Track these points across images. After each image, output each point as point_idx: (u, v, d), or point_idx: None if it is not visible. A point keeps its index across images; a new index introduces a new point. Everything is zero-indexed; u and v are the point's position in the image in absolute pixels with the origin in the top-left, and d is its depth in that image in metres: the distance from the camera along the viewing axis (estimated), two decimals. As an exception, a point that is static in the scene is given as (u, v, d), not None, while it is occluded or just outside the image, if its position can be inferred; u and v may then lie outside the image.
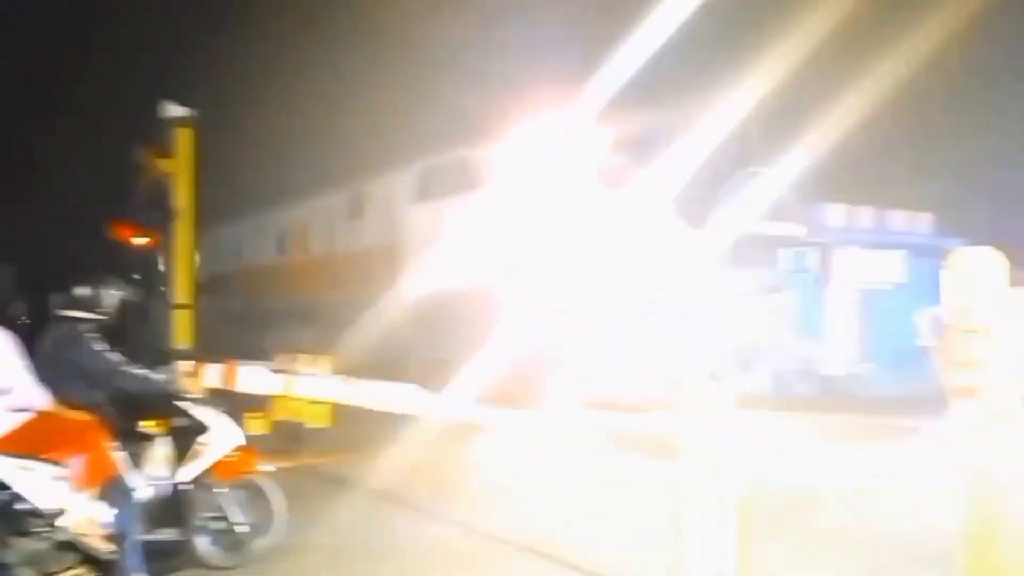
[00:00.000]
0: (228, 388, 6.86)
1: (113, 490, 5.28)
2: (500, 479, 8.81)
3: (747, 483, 3.91)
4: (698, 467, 3.88)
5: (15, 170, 32.73)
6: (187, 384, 6.01)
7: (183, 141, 12.05)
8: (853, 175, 18.63)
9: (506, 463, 9.60)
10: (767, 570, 4.49)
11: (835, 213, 17.72)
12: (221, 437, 5.92)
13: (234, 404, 6.98)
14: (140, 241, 13.77)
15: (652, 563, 5.63)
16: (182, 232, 12.08)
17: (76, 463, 5.18)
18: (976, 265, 2.65)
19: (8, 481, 5.08)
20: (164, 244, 12.28)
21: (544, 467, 9.04)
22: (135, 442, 5.75)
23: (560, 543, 6.27)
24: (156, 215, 12.40)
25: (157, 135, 12.15)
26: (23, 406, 5.26)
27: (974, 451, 2.67)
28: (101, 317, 5.86)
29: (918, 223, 18.68)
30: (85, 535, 5.17)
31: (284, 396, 9.47)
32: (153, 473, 5.69)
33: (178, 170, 12.04)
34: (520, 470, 9.18)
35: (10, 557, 5.05)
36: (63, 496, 5.17)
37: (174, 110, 11.91)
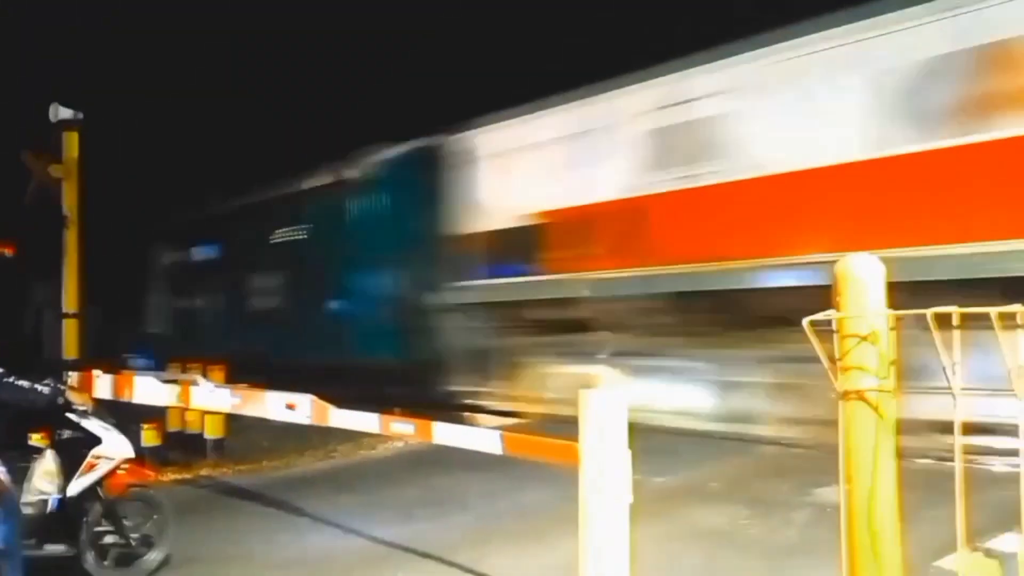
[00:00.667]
0: (120, 399, 6.76)
1: (-3, 505, 5.20)
2: (401, 488, 8.83)
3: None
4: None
5: None
6: (76, 395, 5.92)
7: (71, 145, 11.76)
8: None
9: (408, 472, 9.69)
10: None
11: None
12: (111, 450, 5.86)
13: (128, 415, 6.93)
14: (7, 251, 13.51)
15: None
16: (71, 239, 11.78)
17: (-43, 478, 5.09)
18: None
19: None
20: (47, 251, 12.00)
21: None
22: (22, 455, 5.66)
23: (458, 552, 6.33)
24: (44, 221, 12.08)
25: (45, 138, 11.84)
26: None
27: None
28: None
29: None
30: (-32, 551, 5.07)
31: (179, 407, 9.40)
32: (40, 487, 5.60)
33: (67, 174, 11.74)
34: (421, 479, 9.24)
35: None
36: (-56, 513, 5.07)
37: (62, 112, 11.60)
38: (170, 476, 9.37)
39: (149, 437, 9.78)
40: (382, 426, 5.77)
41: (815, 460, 9.03)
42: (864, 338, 2.64)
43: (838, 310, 2.72)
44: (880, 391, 2.67)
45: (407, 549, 6.52)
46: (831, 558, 5.35)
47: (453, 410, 13.11)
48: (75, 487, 5.69)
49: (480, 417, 13.22)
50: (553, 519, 6.86)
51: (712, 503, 7.60)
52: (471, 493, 8.26)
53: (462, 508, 7.83)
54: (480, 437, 5.27)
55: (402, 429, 5.86)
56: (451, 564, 6.08)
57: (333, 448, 11.08)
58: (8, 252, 13.75)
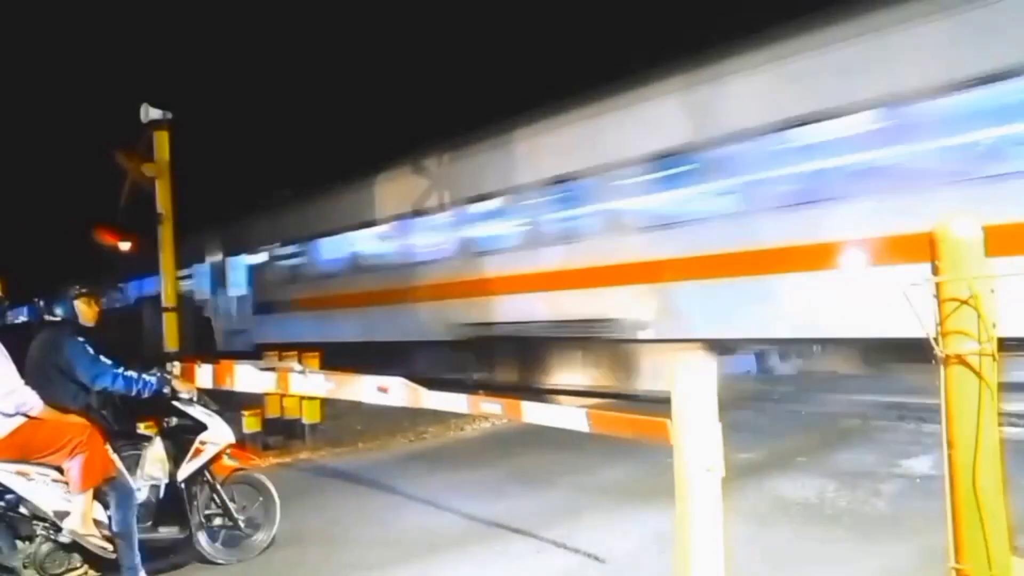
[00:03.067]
0: (221, 387, 6.98)
1: (112, 491, 5.43)
2: (490, 468, 8.93)
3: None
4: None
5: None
6: (181, 384, 6.12)
7: (162, 144, 12.09)
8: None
9: (496, 452, 9.80)
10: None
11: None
12: (216, 435, 6.06)
13: (229, 402, 7.16)
14: (124, 245, 13.88)
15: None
16: (166, 235, 12.13)
17: (74, 466, 5.31)
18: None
19: (9, 486, 5.22)
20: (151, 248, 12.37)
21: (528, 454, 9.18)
22: (133, 443, 5.89)
23: (551, 528, 6.41)
24: (140, 219, 12.48)
25: (137, 139, 12.19)
26: (16, 411, 5.34)
27: None
28: (87, 322, 5.98)
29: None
30: (87, 536, 5.30)
31: (276, 393, 9.67)
32: (151, 473, 5.81)
33: (159, 173, 12.07)
34: (510, 457, 9.34)
35: (14, 561, 5.19)
36: (63, 499, 5.31)
37: (152, 112, 11.91)
38: (271, 460, 9.64)
39: (250, 423, 10.07)
40: (471, 406, 5.84)
41: (900, 431, 8.93)
42: (964, 302, 2.61)
43: (936, 274, 2.68)
44: (982, 355, 2.62)
45: (500, 525, 6.64)
46: (924, 528, 5.37)
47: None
48: (184, 472, 5.90)
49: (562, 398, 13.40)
50: (639, 494, 6.92)
51: (799, 476, 7.55)
52: (558, 471, 8.34)
53: (550, 485, 7.91)
54: (566, 415, 5.27)
55: (491, 409, 5.89)
56: (543, 539, 6.17)
57: (423, 430, 11.27)
58: (123, 245, 14.15)
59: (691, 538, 4.15)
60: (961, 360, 2.66)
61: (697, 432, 4.15)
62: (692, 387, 4.16)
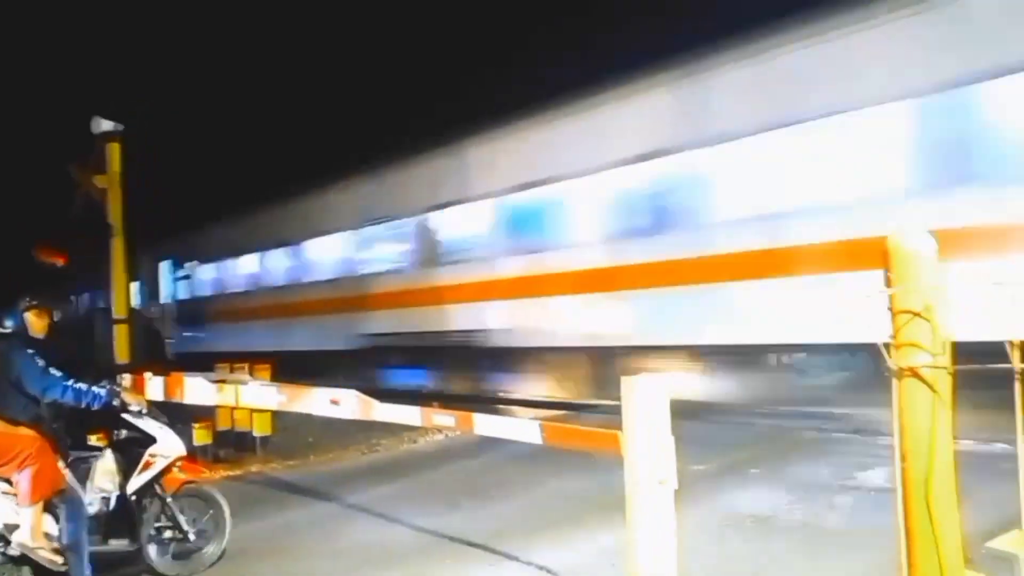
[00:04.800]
0: (172, 399, 6.91)
1: (62, 503, 5.36)
2: (443, 480, 8.92)
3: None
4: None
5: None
6: (130, 397, 6.05)
7: (113, 156, 11.95)
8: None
9: (449, 465, 9.79)
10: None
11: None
12: (166, 448, 6.00)
13: (179, 414, 7.08)
14: (60, 261, 13.78)
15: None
16: (117, 248, 11.99)
17: (23, 478, 5.24)
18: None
19: (-43, 498, 5.13)
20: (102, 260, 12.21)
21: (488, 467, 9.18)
22: (83, 455, 5.82)
23: (504, 540, 6.41)
24: (93, 231, 12.32)
25: (90, 151, 12.05)
26: (-35, 425, 5.27)
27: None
28: (37, 334, 5.89)
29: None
30: (36, 549, 5.23)
31: (228, 406, 9.57)
32: (101, 485, 5.75)
33: (110, 185, 11.95)
34: (463, 470, 9.33)
35: (-38, 573, 5.11)
36: (12, 511, 5.23)
37: (104, 124, 11.78)
38: (222, 473, 9.54)
39: (200, 436, 9.99)
40: (424, 418, 5.85)
41: (855, 444, 9.05)
42: (917, 314, 2.65)
43: (890, 285, 2.71)
44: (935, 367, 2.66)
45: (453, 538, 6.62)
46: (877, 541, 5.44)
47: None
48: (134, 484, 5.84)
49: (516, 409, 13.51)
50: (593, 507, 6.94)
51: (753, 489, 7.61)
52: (512, 483, 8.34)
53: (504, 497, 7.91)
54: (519, 427, 5.29)
55: (443, 421, 5.91)
56: (496, 552, 6.16)
57: (376, 442, 11.22)
58: (60, 262, 14.06)
59: (643, 551, 4.18)
60: (914, 373, 2.70)
61: (649, 445, 4.18)
62: (644, 400, 4.19)
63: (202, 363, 10.06)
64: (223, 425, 10.72)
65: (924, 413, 2.71)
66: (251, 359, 10.86)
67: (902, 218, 8.56)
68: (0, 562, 5.22)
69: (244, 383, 7.47)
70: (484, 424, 5.41)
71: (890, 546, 3.13)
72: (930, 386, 2.67)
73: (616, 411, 4.36)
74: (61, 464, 5.51)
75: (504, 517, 7.25)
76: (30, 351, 5.64)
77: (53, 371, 5.62)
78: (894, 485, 2.89)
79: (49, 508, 5.36)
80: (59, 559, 5.27)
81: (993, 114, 8.86)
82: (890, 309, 2.72)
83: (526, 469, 8.52)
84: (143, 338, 17.55)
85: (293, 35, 40.63)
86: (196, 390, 7.16)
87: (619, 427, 4.31)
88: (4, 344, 5.74)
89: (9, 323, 5.81)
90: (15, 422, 5.45)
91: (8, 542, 5.20)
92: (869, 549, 5.54)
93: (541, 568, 5.78)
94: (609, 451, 4.40)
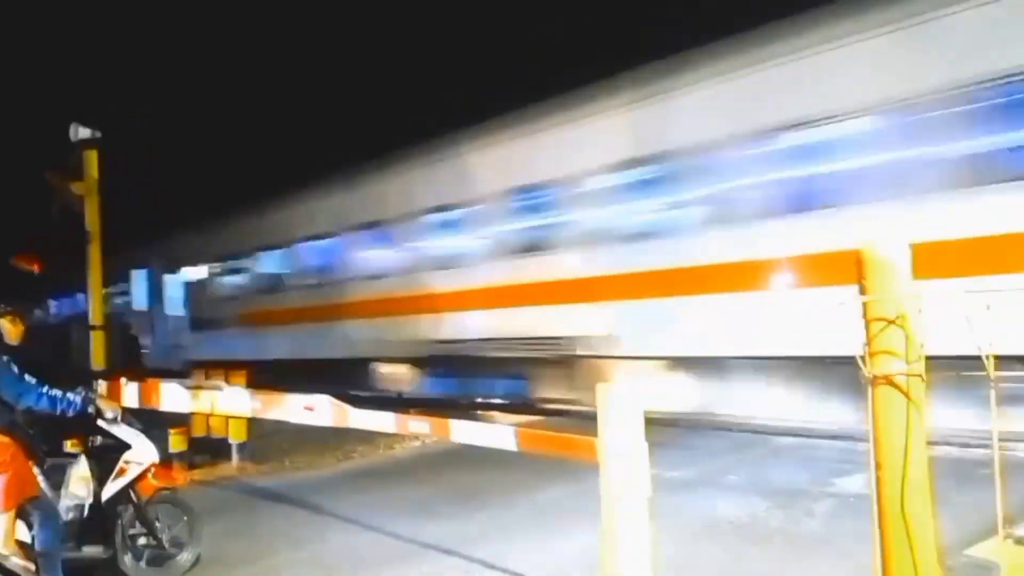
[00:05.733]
0: (147, 405, 6.87)
1: (35, 510, 5.32)
2: (419, 487, 8.90)
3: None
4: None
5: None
6: (105, 403, 6.02)
7: (91, 163, 11.90)
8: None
9: (426, 471, 9.78)
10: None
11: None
12: (140, 454, 5.97)
13: (155, 421, 7.04)
14: (36, 268, 13.74)
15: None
16: (94, 254, 11.93)
17: (-6, 484, 5.20)
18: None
19: (-72, 504, 5.07)
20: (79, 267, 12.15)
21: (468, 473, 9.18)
22: (58, 462, 5.78)
23: (480, 547, 6.41)
24: (68, 237, 12.28)
25: (67, 157, 12.00)
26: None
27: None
28: (11, 341, 5.85)
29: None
30: (9, 556, 5.19)
31: (203, 412, 9.54)
32: (75, 492, 5.71)
33: (88, 192, 11.90)
34: (439, 477, 9.32)
35: (-67, 580, 5.05)
36: (-16, 517, 5.18)
37: (82, 132, 11.73)
38: (197, 479, 9.48)
39: (176, 442, 9.94)
40: (399, 425, 5.84)
41: (833, 450, 9.10)
42: (892, 321, 2.67)
43: (863, 293, 2.73)
44: (910, 375, 2.68)
45: (429, 545, 6.61)
46: (856, 548, 5.48)
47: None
48: (108, 491, 5.80)
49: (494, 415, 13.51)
50: (570, 513, 6.95)
51: (730, 495, 7.64)
52: (489, 490, 8.33)
53: (480, 504, 7.90)
54: (495, 434, 5.29)
55: (419, 428, 5.91)
56: (473, 560, 6.15)
57: (352, 449, 11.18)
58: (35, 268, 13.99)
59: (618, 558, 4.19)
60: (888, 380, 2.71)
61: (623, 453, 4.20)
62: (618, 408, 4.22)
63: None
64: (198, 432, 10.68)
65: (899, 420, 2.73)
66: (232, 366, 10.82)
67: None
68: None
69: (219, 389, 7.46)
70: (460, 431, 5.42)
71: (869, 552, 3.16)
72: (905, 393, 2.69)
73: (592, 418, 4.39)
74: (36, 470, 5.47)
75: (480, 523, 7.24)
76: (4, 357, 5.59)
77: (28, 378, 5.58)
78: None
79: (22, 515, 5.31)
80: (32, 566, 5.22)
81: None
82: (864, 317, 2.74)
83: (503, 476, 8.51)
84: (120, 344, 17.45)
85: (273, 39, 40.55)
86: (171, 396, 7.14)
87: (595, 434, 4.33)
88: (-26, 351, 5.70)
89: None
90: (-12, 428, 5.40)
91: (-20, 548, 5.15)
92: (848, 555, 5.58)
93: (517, 575, 5.78)
94: (584, 458, 4.42)
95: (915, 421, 2.71)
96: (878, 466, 2.83)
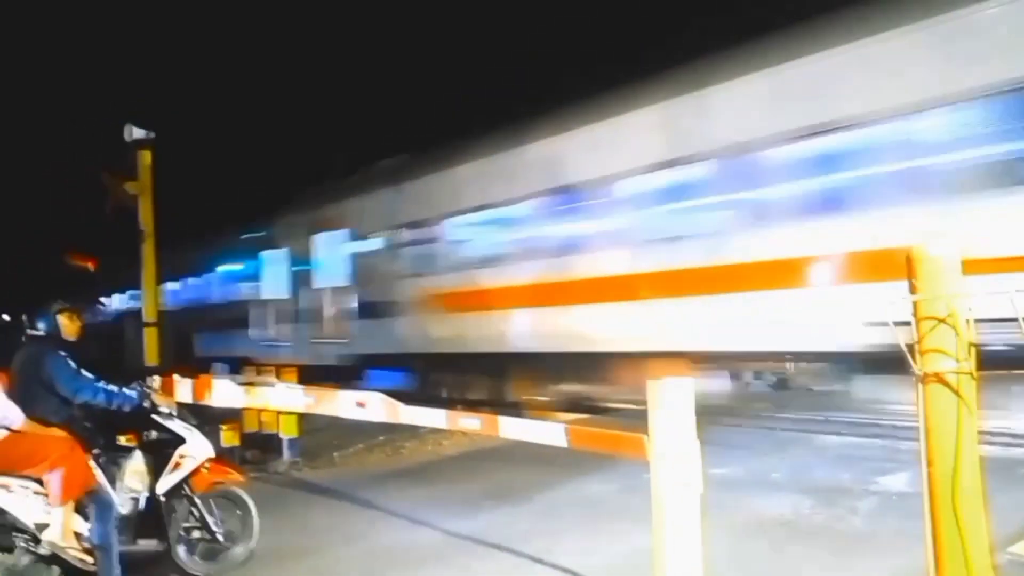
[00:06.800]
0: (200, 401, 7.00)
1: (92, 503, 5.45)
2: (468, 483, 8.95)
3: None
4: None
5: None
6: (160, 398, 6.14)
7: (144, 163, 12.14)
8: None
9: (474, 468, 9.82)
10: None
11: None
12: (195, 449, 6.08)
13: (208, 416, 7.17)
14: (92, 266, 14.04)
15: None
16: (148, 252, 12.18)
17: (54, 478, 5.33)
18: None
19: (-10, 498, 5.22)
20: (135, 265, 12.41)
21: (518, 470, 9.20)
22: (113, 456, 5.91)
23: (529, 543, 6.42)
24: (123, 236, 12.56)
25: (122, 157, 12.26)
26: (-1, 425, 5.37)
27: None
28: (69, 337, 6.01)
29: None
30: (66, 548, 5.31)
31: (254, 408, 9.69)
32: (131, 485, 5.85)
33: (141, 191, 12.14)
34: (486, 473, 9.35)
35: (-5, 571, 5.20)
36: (44, 511, 5.32)
37: (136, 132, 11.97)
38: (249, 474, 9.62)
39: (228, 437, 10.13)
40: (449, 421, 5.88)
41: (875, 448, 9.00)
42: (942, 320, 2.67)
43: (914, 292, 2.73)
44: (960, 373, 2.67)
45: (477, 540, 6.65)
46: (900, 546, 5.44)
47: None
48: (163, 485, 5.92)
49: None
50: (616, 510, 6.96)
51: (774, 492, 7.59)
52: (536, 486, 8.35)
53: (528, 501, 7.92)
54: (545, 430, 5.29)
55: (469, 424, 5.93)
56: (522, 555, 6.18)
57: (400, 445, 11.28)
58: (90, 267, 14.31)
59: (669, 554, 4.20)
60: (939, 378, 2.71)
61: (675, 449, 4.20)
62: (669, 404, 4.21)
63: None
64: (250, 427, 10.83)
65: (950, 417, 2.72)
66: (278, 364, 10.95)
67: None
68: (31, 561, 5.30)
69: (271, 385, 7.58)
70: (509, 427, 5.44)
71: (915, 549, 3.13)
72: (955, 391, 2.69)
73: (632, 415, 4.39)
74: (92, 464, 5.60)
75: (528, 520, 7.27)
76: (62, 353, 5.75)
77: (85, 373, 5.73)
78: (916, 489, 2.89)
79: (79, 508, 5.44)
80: (89, 558, 5.35)
81: None
82: (913, 315, 2.74)
83: (549, 473, 8.53)
84: (173, 340, 17.36)
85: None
86: (225, 392, 7.27)
87: (642, 430, 4.34)
88: (37, 347, 5.87)
89: (42, 326, 5.94)
90: (47, 423, 5.56)
91: (39, 541, 5.28)
92: (894, 553, 5.53)
93: (566, 570, 5.79)
94: (633, 454, 4.42)
95: (966, 419, 2.71)
96: (929, 463, 2.82)
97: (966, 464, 2.73)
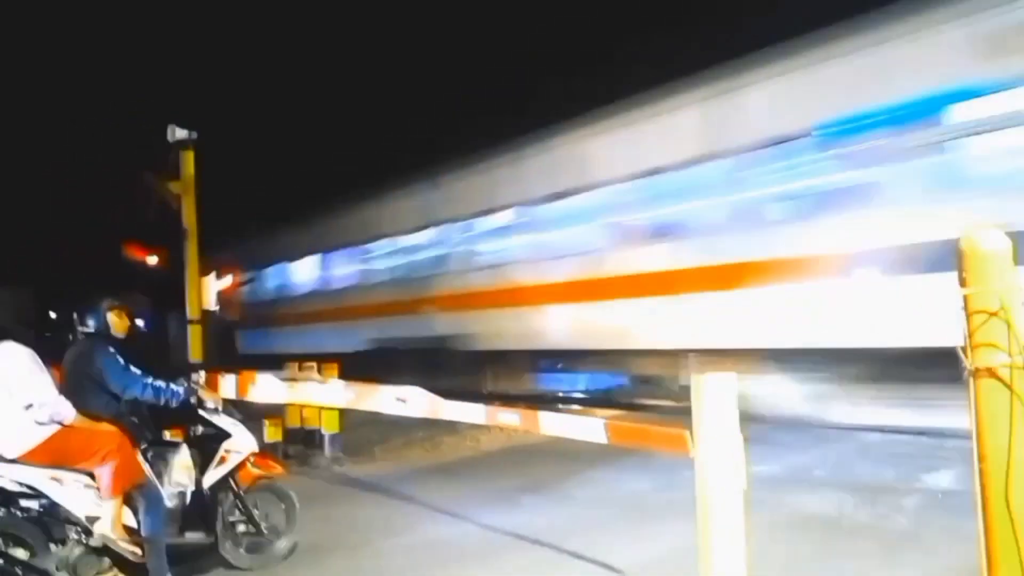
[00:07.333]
0: (244, 397, 7.09)
1: (141, 496, 5.53)
2: (507, 479, 8.98)
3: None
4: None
5: (32, 195, 33.63)
6: (206, 394, 6.23)
7: (187, 163, 12.30)
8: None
9: (512, 464, 9.86)
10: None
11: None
12: (240, 444, 6.16)
13: (252, 412, 7.26)
14: (152, 259, 14.11)
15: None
16: (191, 251, 12.34)
17: (104, 472, 5.41)
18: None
19: (43, 491, 5.31)
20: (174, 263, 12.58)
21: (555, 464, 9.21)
22: (161, 450, 5.99)
23: (568, 539, 6.44)
24: (166, 235, 12.73)
25: (165, 157, 12.42)
26: (50, 419, 5.45)
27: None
28: (118, 334, 6.12)
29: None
30: (116, 540, 5.39)
31: (297, 403, 9.79)
32: (178, 479, 5.92)
33: (184, 191, 12.31)
34: (525, 469, 9.37)
35: (48, 563, 5.27)
36: (94, 504, 5.41)
37: (179, 132, 12.13)
38: (292, 469, 9.72)
39: (271, 433, 10.24)
40: (489, 417, 5.90)
41: (918, 446, 8.91)
42: (994, 314, 2.63)
43: (964, 286, 2.70)
44: (1012, 367, 2.64)
45: (518, 536, 6.68)
46: (945, 544, 5.39)
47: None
48: (209, 479, 5.99)
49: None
50: (656, 507, 6.96)
51: (818, 490, 7.55)
52: (575, 483, 8.39)
53: (567, 497, 7.97)
54: (584, 426, 5.28)
55: (508, 420, 5.93)
56: (561, 551, 6.20)
57: (440, 440, 11.34)
58: (150, 259, 14.39)
59: (715, 551, 4.18)
60: (992, 373, 2.68)
61: (719, 446, 4.18)
62: (714, 401, 4.19)
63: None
64: (293, 423, 10.94)
65: (1002, 412, 2.69)
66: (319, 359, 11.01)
67: None
68: (82, 552, 5.38)
69: (314, 381, 7.66)
70: (549, 423, 5.44)
71: (962, 548, 3.10)
72: (1008, 385, 2.65)
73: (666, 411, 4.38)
74: (140, 459, 5.69)
75: (567, 516, 7.28)
76: (111, 349, 5.86)
77: (133, 369, 5.83)
78: (962, 487, 2.86)
79: (129, 501, 5.52)
80: (138, 550, 5.43)
81: None
82: (964, 310, 2.71)
83: (588, 469, 8.55)
84: (217, 338, 17.54)
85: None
86: (267, 388, 7.35)
87: (680, 425, 4.33)
88: (87, 343, 5.99)
89: (91, 323, 6.05)
90: (97, 418, 5.65)
91: (90, 533, 5.36)
92: (941, 551, 5.49)
93: (606, 566, 5.80)
94: (674, 451, 4.42)
95: (1019, 413, 2.67)
96: (981, 459, 2.78)
97: (1019, 460, 2.69)
